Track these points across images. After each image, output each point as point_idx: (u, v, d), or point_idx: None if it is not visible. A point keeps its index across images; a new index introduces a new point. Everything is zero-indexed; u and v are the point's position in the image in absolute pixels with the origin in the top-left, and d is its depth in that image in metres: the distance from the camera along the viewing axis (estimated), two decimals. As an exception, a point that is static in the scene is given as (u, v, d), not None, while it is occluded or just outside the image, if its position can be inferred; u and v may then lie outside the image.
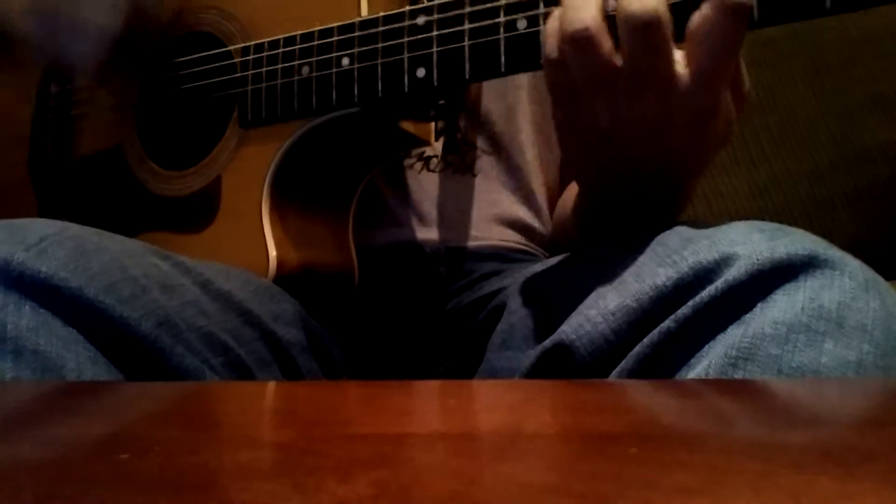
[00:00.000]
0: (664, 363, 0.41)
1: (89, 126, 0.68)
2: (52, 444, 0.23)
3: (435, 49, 0.51)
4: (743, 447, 0.22)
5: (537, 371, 0.47)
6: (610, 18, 0.43)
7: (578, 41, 0.43)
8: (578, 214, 0.59)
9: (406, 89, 0.52)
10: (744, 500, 0.17)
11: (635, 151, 0.46)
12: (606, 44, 0.43)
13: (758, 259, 0.39)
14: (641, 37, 0.42)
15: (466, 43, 0.50)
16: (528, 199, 0.70)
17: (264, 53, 0.57)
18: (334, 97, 0.54)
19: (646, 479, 0.19)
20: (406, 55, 0.52)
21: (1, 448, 0.22)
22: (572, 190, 0.68)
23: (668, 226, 0.47)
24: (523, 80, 0.70)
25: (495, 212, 0.68)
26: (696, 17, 0.42)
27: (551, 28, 0.45)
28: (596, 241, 0.53)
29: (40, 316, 0.38)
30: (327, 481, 0.18)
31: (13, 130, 0.71)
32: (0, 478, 0.19)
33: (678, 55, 0.43)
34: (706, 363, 0.39)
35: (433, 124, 0.59)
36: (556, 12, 0.45)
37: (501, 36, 0.48)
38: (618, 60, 0.43)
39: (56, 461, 0.21)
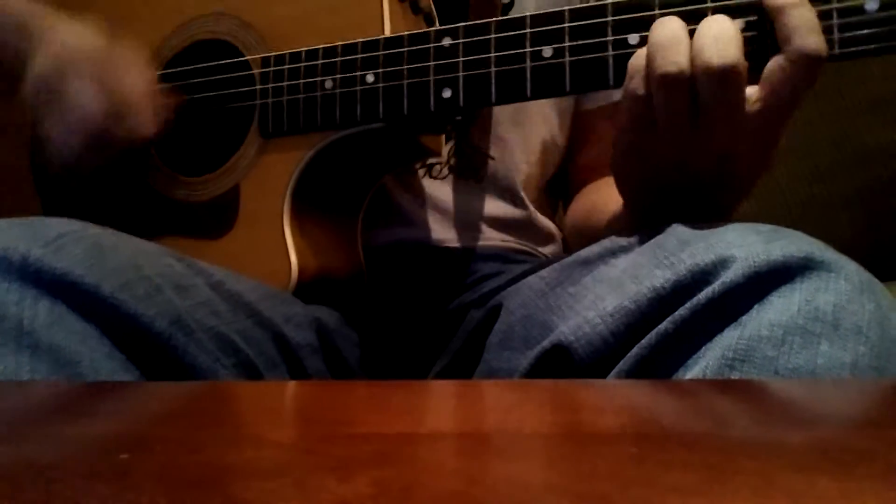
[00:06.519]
0: (661, 365, 0.41)
1: None
2: (54, 443, 0.23)
3: (461, 73, 0.52)
4: (742, 447, 0.22)
5: (535, 372, 0.47)
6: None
7: (670, 83, 0.44)
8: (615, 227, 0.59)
9: (432, 108, 0.53)
10: (742, 499, 0.17)
11: (698, 177, 0.48)
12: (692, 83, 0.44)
13: (754, 261, 0.39)
14: (718, 85, 0.43)
15: (493, 69, 0.51)
16: (520, 202, 0.70)
17: (285, 66, 0.58)
18: (359, 112, 0.55)
19: (645, 478, 0.19)
20: (432, 77, 0.53)
21: (4, 447, 0.22)
22: (595, 200, 0.68)
23: (665, 228, 0.47)
24: None
25: (496, 214, 0.68)
26: (773, 65, 0.44)
27: (637, 65, 0.46)
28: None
29: (57, 312, 0.38)
30: (328, 480, 0.18)
31: (19, 135, 0.71)
32: (2, 477, 0.19)
33: (750, 91, 0.44)
34: (703, 365, 0.39)
35: (444, 136, 0.60)
36: (642, 51, 0.46)
37: (528, 64, 0.50)
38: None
39: (58, 460, 0.21)
